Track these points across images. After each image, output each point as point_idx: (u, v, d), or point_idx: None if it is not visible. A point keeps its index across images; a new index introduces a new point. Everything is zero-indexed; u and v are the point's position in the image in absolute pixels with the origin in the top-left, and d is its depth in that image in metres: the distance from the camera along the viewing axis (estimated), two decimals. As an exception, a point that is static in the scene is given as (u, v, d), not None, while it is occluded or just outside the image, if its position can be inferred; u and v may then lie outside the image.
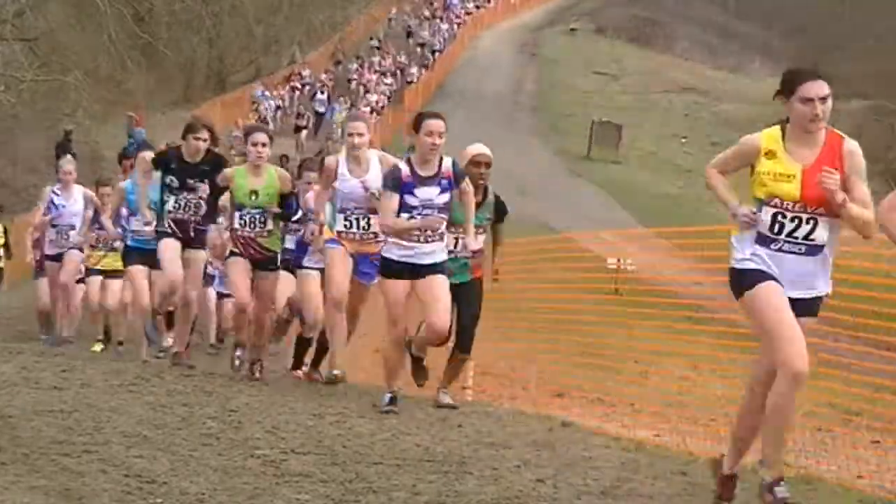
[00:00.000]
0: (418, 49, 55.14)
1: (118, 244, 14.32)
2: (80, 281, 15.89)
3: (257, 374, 10.50)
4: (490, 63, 55.14)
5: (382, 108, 49.60)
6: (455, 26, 57.72)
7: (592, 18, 61.92)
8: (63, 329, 15.67)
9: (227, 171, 10.54)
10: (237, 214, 10.43)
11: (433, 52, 54.81)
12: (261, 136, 10.47)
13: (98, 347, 14.80)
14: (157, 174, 11.04)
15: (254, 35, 54.04)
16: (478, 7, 60.74)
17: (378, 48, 55.20)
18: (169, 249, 11.01)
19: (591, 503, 6.66)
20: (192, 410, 8.44)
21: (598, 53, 58.17)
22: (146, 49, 48.77)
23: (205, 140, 10.87)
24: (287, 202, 10.58)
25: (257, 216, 10.35)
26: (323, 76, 52.10)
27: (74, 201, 15.29)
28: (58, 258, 15.43)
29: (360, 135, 10.16)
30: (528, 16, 62.18)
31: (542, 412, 10.07)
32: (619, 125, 48.01)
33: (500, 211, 10.00)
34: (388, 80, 51.78)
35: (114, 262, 14.88)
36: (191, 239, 11.07)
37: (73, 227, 15.26)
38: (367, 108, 47.55)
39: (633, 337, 12.04)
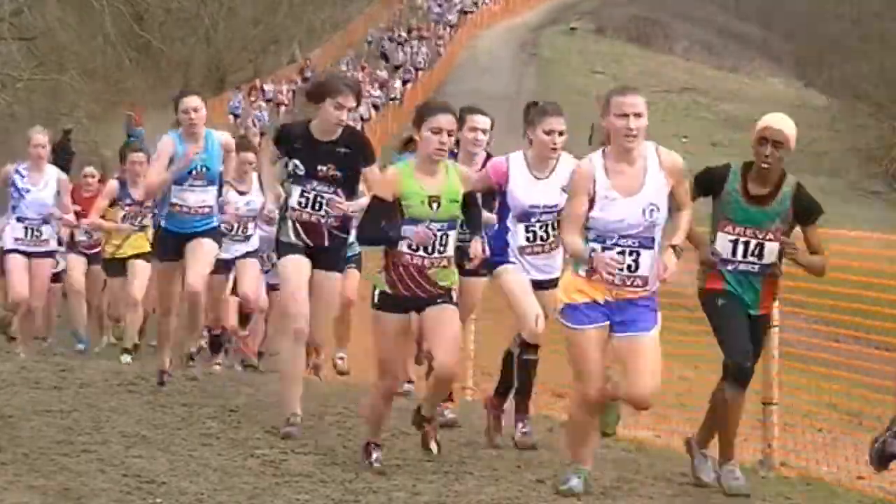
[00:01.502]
0: (397, 70, 53.94)
1: (148, 221, 11.60)
2: (55, 279, 13.73)
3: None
4: (489, 63, 55.02)
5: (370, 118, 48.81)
6: (437, 46, 55.89)
7: (592, 18, 61.83)
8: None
9: (390, 170, 7.09)
10: (405, 231, 6.80)
11: (417, 71, 53.64)
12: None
13: (128, 359, 11.48)
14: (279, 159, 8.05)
15: (252, 34, 53.99)
16: (464, 12, 59.74)
17: (345, 70, 53.27)
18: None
19: (591, 503, 6.65)
20: (191, 410, 8.43)
21: (598, 53, 58.11)
22: (144, 48, 48.76)
23: (350, 109, 7.71)
24: (470, 207, 7.09)
25: (440, 236, 6.84)
26: (284, 88, 50.24)
27: (45, 185, 11.56)
28: (24, 254, 11.63)
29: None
30: (527, 15, 62.10)
31: (542, 412, 10.05)
32: (618, 125, 47.92)
33: (806, 207, 7.08)
34: (377, 92, 50.93)
35: (138, 243, 11.84)
36: (325, 252, 7.87)
37: (45, 222, 11.61)
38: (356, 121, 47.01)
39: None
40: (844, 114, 49.84)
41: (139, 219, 11.89)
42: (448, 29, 57.08)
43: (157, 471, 6.62)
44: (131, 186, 11.85)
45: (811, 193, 7.12)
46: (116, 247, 12.07)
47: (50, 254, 11.87)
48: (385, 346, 6.96)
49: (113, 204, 11.99)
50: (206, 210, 9.20)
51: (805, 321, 9.50)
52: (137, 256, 11.81)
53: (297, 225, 7.80)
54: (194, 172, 9.06)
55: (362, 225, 7.06)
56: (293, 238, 7.81)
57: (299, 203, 7.76)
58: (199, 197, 9.10)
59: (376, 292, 6.88)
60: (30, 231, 11.58)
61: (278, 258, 7.99)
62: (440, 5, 59.17)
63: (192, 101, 9.06)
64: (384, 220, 6.80)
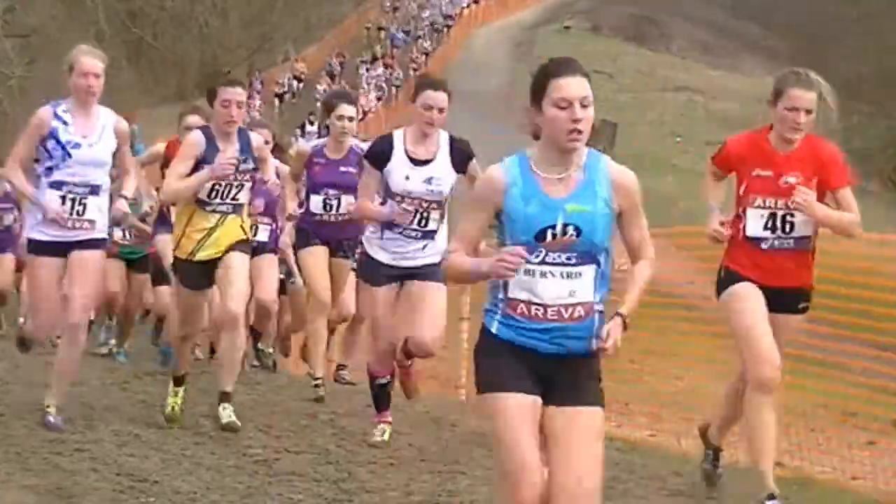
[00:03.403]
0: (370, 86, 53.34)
1: (244, 196, 7.66)
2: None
3: None
4: (484, 62, 55.05)
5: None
6: (411, 71, 54.81)
7: (588, 16, 61.88)
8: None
9: None
10: None
11: (397, 88, 53.13)
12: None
13: (232, 416, 7.75)
14: None
15: (247, 32, 54.00)
16: (436, 30, 59.11)
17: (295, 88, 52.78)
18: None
19: (585, 503, 6.63)
20: (184, 409, 8.40)
21: (594, 52, 58.09)
22: (138, 45, 48.74)
23: None
24: None
25: None
26: (257, 102, 48.32)
27: (100, 136, 7.44)
28: (58, 247, 7.35)
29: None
30: (522, 14, 62.14)
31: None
32: (614, 124, 47.91)
33: None
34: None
35: (231, 230, 7.57)
36: None
37: (93, 191, 7.35)
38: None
39: (627, 336, 12.01)
40: (843, 114, 49.95)
41: (231, 194, 7.59)
42: (424, 56, 56.58)
43: (149, 469, 6.61)
44: (221, 141, 7.58)
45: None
46: (197, 241, 7.58)
47: (98, 243, 7.51)
48: None
49: (195, 168, 7.56)
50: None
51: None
52: (230, 251, 7.59)
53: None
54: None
55: None
56: None
57: None
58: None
59: None
60: (70, 203, 7.35)
61: None
62: (406, 32, 58.71)
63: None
64: None
